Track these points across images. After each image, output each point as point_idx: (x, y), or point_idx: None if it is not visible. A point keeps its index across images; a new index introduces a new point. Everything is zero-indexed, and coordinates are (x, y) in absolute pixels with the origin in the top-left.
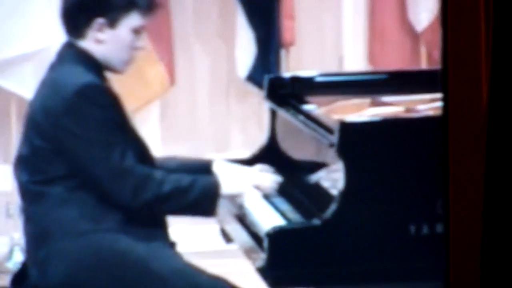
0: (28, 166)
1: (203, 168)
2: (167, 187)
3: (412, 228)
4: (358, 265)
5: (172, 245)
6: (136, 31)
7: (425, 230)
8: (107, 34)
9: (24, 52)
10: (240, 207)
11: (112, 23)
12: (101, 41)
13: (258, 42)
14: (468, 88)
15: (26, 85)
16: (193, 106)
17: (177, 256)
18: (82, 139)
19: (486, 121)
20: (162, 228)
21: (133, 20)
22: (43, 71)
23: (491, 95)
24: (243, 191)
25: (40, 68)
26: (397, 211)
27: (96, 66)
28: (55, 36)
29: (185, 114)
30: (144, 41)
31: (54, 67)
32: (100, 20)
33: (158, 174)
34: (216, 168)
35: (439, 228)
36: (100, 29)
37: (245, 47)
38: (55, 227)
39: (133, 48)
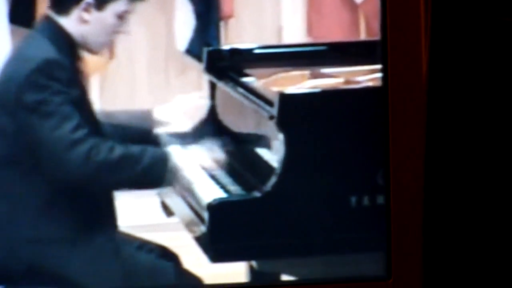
0: None
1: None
2: (117, 152)
3: (353, 200)
4: (299, 237)
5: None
6: (120, 16)
7: (366, 201)
8: (92, 15)
9: None
10: (181, 179)
11: (100, 5)
12: (85, 21)
13: (196, 15)
14: (407, 59)
15: None
16: (132, 80)
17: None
18: (38, 114)
19: (426, 92)
20: (109, 222)
21: (120, 5)
22: None
23: (430, 65)
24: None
25: None
26: (338, 182)
27: (69, 44)
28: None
29: (125, 87)
30: (127, 26)
31: (28, 39)
32: (88, 0)
33: (108, 141)
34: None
35: (380, 199)
36: (86, 9)
37: (183, 20)
38: (2, 220)
39: (114, 32)
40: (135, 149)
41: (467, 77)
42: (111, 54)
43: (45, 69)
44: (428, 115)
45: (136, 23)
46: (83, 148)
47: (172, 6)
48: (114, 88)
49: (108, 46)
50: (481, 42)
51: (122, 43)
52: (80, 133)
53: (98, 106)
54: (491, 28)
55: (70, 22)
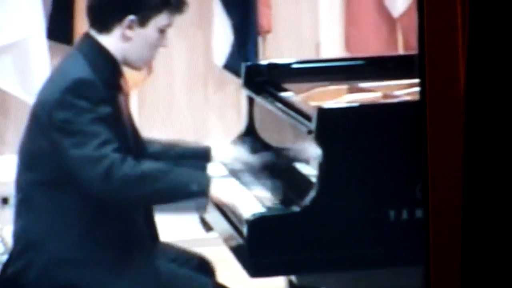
0: (24, 159)
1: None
2: (145, 166)
3: (392, 213)
4: (337, 252)
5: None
6: (162, 30)
7: (404, 215)
8: (135, 32)
9: (2, 44)
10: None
11: (143, 21)
12: (128, 38)
13: (234, 30)
14: (445, 73)
15: (5, 77)
16: (171, 95)
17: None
18: (64, 132)
19: (464, 105)
20: (150, 245)
21: (162, 19)
22: (22, 63)
23: (468, 79)
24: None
25: (19, 60)
26: (376, 196)
27: (108, 62)
28: (34, 27)
29: (163, 103)
30: (167, 40)
31: (67, 57)
32: (131, 17)
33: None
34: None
35: (418, 213)
36: (129, 26)
37: (222, 35)
38: (39, 240)
39: (156, 46)
40: (167, 165)
41: (505, 90)
42: (150, 70)
43: (76, 88)
44: (466, 128)
45: (175, 38)
46: (102, 165)
47: (210, 21)
48: (152, 103)
49: (149, 62)
50: None
51: (160, 58)
52: (105, 149)
53: (136, 121)
54: None
55: (111, 40)
